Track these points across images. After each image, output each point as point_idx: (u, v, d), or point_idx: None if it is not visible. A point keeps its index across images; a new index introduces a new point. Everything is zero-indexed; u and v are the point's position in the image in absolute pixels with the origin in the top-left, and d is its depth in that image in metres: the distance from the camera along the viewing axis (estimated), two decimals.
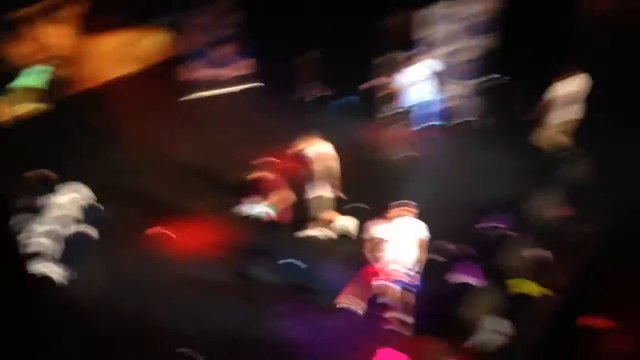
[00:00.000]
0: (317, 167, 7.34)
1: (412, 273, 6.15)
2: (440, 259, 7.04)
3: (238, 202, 7.93)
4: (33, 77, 9.98)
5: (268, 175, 7.70)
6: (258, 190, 7.70)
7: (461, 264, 6.94)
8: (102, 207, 8.02)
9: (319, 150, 7.38)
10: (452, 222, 7.58)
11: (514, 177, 8.48)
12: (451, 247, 7.23)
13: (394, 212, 6.17)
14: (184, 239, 7.67)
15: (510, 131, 9.36)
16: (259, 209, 7.69)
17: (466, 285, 6.62)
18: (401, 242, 6.14)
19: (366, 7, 10.74)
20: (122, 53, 11.26)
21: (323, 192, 7.50)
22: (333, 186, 7.52)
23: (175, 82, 11.18)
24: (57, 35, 10.16)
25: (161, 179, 8.89)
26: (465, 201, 8.04)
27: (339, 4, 10.73)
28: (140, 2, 11.07)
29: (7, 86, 9.63)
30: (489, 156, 9.08)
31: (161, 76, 11.41)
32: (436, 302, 6.39)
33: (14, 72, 9.77)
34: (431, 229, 6.51)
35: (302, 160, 7.39)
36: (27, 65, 9.85)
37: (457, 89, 9.91)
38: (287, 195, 7.66)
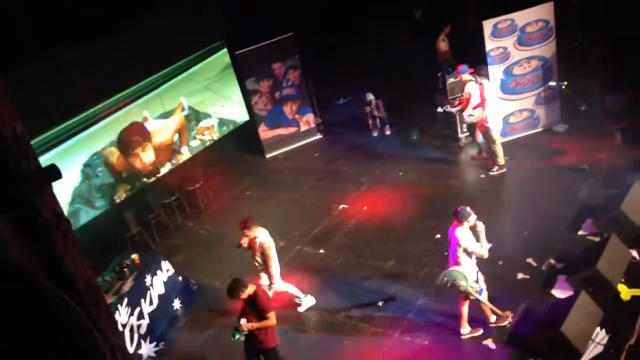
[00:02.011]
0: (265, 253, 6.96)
1: None
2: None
3: None
4: None
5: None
6: None
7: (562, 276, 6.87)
8: (193, 282, 8.34)
9: (266, 237, 6.97)
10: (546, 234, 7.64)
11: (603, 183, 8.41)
12: (551, 260, 7.21)
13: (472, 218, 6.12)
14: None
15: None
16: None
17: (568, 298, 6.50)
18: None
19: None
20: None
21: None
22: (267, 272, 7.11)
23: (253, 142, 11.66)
24: None
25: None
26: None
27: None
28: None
29: None
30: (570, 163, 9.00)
31: (241, 138, 11.84)
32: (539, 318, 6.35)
33: None
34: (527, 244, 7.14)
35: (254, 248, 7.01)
36: None
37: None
38: None
